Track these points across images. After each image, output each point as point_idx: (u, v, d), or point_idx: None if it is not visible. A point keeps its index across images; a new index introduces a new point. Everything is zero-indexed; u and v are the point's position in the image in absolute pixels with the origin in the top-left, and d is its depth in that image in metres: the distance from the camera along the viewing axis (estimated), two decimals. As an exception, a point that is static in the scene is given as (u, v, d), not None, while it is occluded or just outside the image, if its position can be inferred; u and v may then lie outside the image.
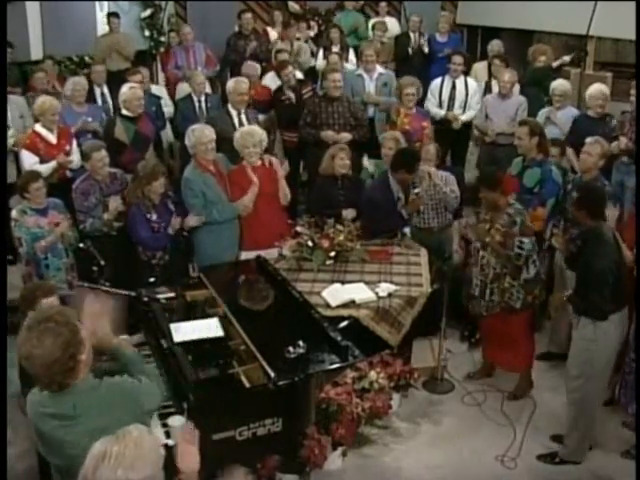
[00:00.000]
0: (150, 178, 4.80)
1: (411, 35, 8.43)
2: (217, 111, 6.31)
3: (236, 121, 5.93)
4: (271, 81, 7.25)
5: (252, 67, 7.01)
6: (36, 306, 3.40)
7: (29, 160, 5.51)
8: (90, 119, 6.08)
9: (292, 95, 6.74)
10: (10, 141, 5.91)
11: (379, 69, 7.16)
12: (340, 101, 6.28)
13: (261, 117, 6.50)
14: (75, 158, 5.68)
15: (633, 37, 7.17)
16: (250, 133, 5.08)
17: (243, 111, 5.99)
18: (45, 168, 5.44)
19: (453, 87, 6.98)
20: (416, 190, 5.12)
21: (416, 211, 5.25)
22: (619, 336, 3.93)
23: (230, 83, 6.13)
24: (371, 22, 8.83)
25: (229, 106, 6.05)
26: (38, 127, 5.64)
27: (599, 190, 4.32)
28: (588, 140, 4.93)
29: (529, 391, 4.77)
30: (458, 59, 7.01)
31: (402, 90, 6.35)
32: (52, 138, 5.63)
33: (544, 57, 7.00)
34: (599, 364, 3.92)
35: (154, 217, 4.87)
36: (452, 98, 6.98)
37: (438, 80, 7.07)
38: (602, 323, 3.83)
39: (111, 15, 8.28)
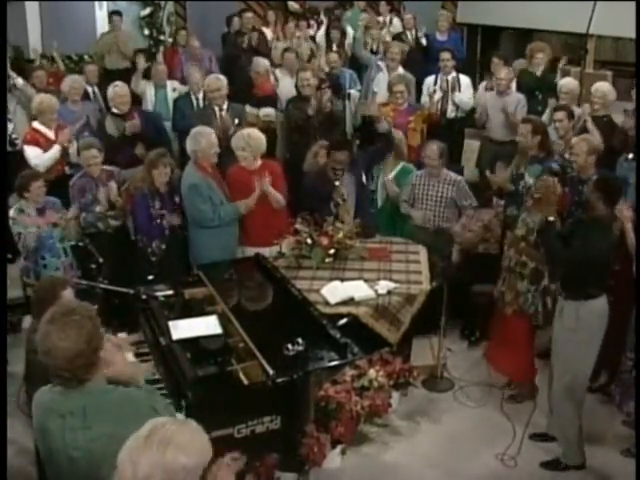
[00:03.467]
0: (150, 166, 4.87)
1: (407, 34, 8.45)
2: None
3: (218, 117, 5.95)
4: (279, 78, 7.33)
5: (261, 64, 6.98)
6: (59, 299, 3.35)
7: (33, 152, 5.56)
8: (85, 116, 6.12)
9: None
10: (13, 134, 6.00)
11: (400, 69, 7.23)
12: (318, 99, 6.30)
13: (263, 111, 6.53)
14: (73, 151, 5.67)
15: (633, 35, 7.16)
16: (242, 136, 5.03)
17: (225, 107, 6.02)
18: (48, 156, 5.55)
19: (446, 84, 7.03)
20: (337, 182, 5.13)
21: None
22: (601, 326, 3.88)
23: (205, 81, 6.24)
24: (366, 21, 8.88)
25: (212, 103, 6.11)
26: (36, 124, 5.69)
27: (617, 180, 4.24)
28: (573, 140, 4.92)
29: (532, 396, 4.65)
30: (446, 55, 7.10)
31: (392, 87, 6.45)
32: (51, 134, 5.67)
33: (541, 54, 6.96)
34: (582, 354, 3.90)
35: (157, 205, 4.90)
36: (445, 94, 7.01)
37: (432, 77, 7.17)
38: (584, 308, 3.81)
39: (113, 13, 8.31)
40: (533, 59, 6.99)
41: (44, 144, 5.61)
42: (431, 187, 5.30)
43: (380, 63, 7.42)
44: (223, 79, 6.16)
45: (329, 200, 5.12)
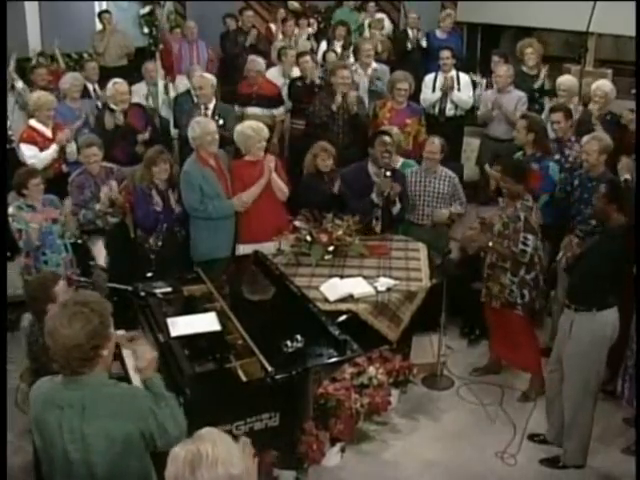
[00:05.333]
0: (150, 163, 4.88)
1: (409, 32, 8.44)
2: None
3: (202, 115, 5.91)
4: (274, 76, 7.29)
5: (256, 62, 6.95)
6: (52, 295, 3.37)
7: (29, 152, 5.52)
8: (84, 115, 6.13)
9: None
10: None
11: (373, 64, 7.22)
12: (344, 97, 6.23)
13: (278, 111, 6.72)
14: (71, 150, 5.68)
15: (633, 34, 7.14)
16: (261, 128, 5.09)
17: (211, 106, 6.02)
18: (45, 155, 5.51)
19: (445, 82, 6.99)
20: (388, 173, 5.09)
21: (387, 193, 5.12)
22: (612, 336, 3.89)
23: (193, 79, 6.25)
24: (367, 20, 8.90)
25: (197, 100, 6.12)
26: (33, 122, 5.65)
27: (628, 184, 4.24)
28: (584, 139, 4.91)
29: (542, 392, 4.58)
30: (445, 53, 7.06)
31: (394, 85, 6.35)
32: (48, 132, 5.64)
33: (530, 49, 6.92)
34: (596, 363, 3.89)
35: (156, 199, 4.92)
36: (444, 93, 6.99)
37: (432, 75, 7.13)
38: (596, 321, 3.80)
39: (102, 12, 8.33)
40: (524, 56, 6.96)
41: (41, 142, 5.58)
42: (428, 183, 5.33)
43: (357, 68, 7.18)
44: (209, 78, 6.12)
45: (367, 194, 5.12)
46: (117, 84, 6.02)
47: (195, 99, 6.45)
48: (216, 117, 5.81)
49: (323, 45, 8.41)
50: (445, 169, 5.40)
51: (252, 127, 5.08)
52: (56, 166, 5.65)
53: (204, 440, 1.86)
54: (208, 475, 1.78)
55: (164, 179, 4.94)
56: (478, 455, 4.17)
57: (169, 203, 4.97)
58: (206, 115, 5.88)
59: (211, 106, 6.01)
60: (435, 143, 5.35)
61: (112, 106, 5.96)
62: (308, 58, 7.08)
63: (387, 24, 9.16)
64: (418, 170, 5.44)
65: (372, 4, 9.25)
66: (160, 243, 4.96)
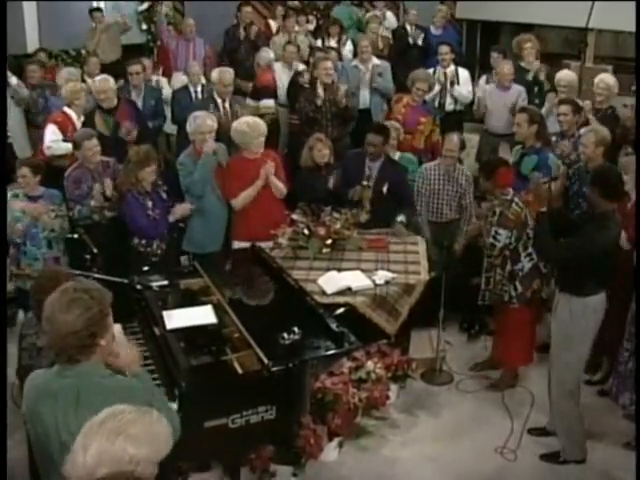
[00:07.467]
0: (143, 163, 4.73)
1: (408, 28, 8.44)
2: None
3: (221, 110, 5.93)
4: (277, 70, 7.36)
5: (262, 56, 6.98)
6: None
7: (53, 136, 5.54)
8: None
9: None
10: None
11: (374, 60, 7.22)
12: (331, 90, 6.22)
13: (262, 103, 6.73)
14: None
15: (633, 30, 7.12)
16: (258, 124, 5.05)
17: (228, 100, 6.03)
18: (65, 146, 5.52)
19: (444, 77, 7.02)
20: (364, 182, 5.11)
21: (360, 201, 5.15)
22: (596, 320, 3.84)
23: (214, 73, 6.20)
24: (366, 16, 8.92)
25: (214, 95, 6.09)
26: (67, 109, 5.69)
27: (614, 172, 4.12)
28: (582, 131, 4.90)
29: (513, 383, 4.73)
30: (444, 49, 7.08)
31: (414, 83, 6.32)
32: (79, 124, 5.65)
33: (529, 44, 6.90)
34: (575, 348, 3.85)
35: (149, 204, 4.80)
36: (444, 88, 7.00)
37: (430, 70, 7.09)
38: (578, 303, 3.77)
39: (93, 10, 8.33)
40: (523, 51, 6.93)
41: (70, 132, 5.55)
42: (447, 182, 5.29)
43: (358, 64, 7.23)
44: (231, 71, 6.18)
45: (357, 182, 5.14)
46: (96, 82, 5.89)
47: (193, 94, 6.46)
48: (235, 109, 5.86)
49: (319, 44, 8.41)
50: (462, 166, 5.39)
51: (248, 123, 5.04)
52: (73, 158, 5.61)
53: (141, 412, 1.85)
54: (106, 442, 1.77)
55: (152, 181, 4.81)
56: (477, 450, 4.13)
57: (163, 204, 4.89)
58: (224, 108, 5.91)
59: (228, 100, 6.04)
60: (454, 140, 5.28)
61: (102, 105, 5.80)
62: (322, 54, 7.05)
63: (393, 20, 9.19)
64: (436, 168, 5.36)
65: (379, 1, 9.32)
66: (164, 246, 4.89)
